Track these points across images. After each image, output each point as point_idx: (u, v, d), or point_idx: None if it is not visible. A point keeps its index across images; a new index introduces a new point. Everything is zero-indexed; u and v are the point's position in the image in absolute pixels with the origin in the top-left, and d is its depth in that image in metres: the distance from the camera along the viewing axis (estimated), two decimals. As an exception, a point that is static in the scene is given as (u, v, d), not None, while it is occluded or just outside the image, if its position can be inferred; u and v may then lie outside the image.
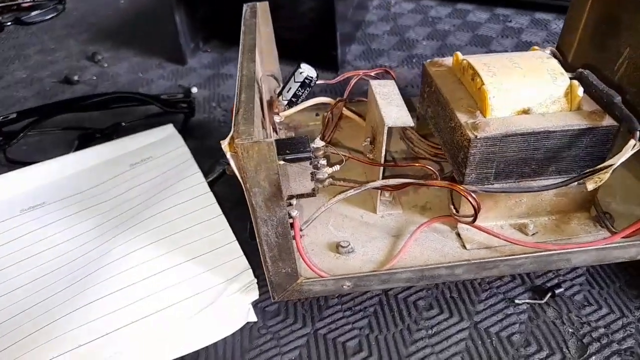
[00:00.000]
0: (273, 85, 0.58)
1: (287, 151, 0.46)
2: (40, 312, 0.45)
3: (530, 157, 0.45)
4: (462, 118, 0.46)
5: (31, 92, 0.87)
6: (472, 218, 0.44)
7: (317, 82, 0.59)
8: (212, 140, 0.71)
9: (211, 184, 0.59)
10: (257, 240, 0.39)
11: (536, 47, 0.53)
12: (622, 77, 0.55)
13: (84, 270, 0.49)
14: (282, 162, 0.42)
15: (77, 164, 0.62)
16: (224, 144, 0.34)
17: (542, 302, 0.47)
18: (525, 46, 0.93)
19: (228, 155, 0.34)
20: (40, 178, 0.61)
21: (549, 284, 0.48)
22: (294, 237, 0.44)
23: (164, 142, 0.64)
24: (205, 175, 0.61)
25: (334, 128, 0.58)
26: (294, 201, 0.45)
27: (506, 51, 0.92)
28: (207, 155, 0.66)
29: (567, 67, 0.48)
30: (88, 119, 0.75)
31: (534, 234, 0.48)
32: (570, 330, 0.44)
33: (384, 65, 0.89)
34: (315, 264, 0.44)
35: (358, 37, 1.00)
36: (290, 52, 0.90)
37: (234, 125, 0.35)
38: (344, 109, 0.58)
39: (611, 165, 0.42)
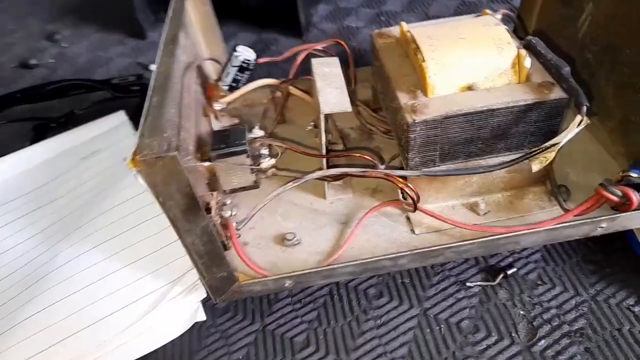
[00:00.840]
0: (216, 69, 0.55)
1: (222, 145, 0.44)
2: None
3: (476, 137, 0.43)
4: (403, 99, 0.43)
5: (-11, 80, 0.85)
6: (413, 208, 0.42)
7: (264, 61, 0.56)
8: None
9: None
10: (185, 251, 0.38)
11: (487, 11, 0.50)
12: (585, 35, 0.52)
13: (32, 276, 0.48)
14: (206, 164, 0.40)
15: (26, 162, 0.60)
16: (127, 161, 0.32)
17: (494, 284, 0.46)
18: None
19: (134, 172, 0.32)
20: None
21: (503, 264, 0.47)
22: (231, 238, 0.43)
23: (114, 131, 0.62)
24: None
25: (280, 110, 0.55)
26: (227, 200, 0.43)
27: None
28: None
29: (529, 28, 0.45)
30: (42, 109, 0.73)
31: (485, 213, 0.46)
32: (522, 312, 0.44)
33: (340, 33, 0.84)
34: (256, 263, 0.43)
35: (326, -5, 0.95)
36: (254, 19, 0.87)
37: (138, 137, 0.33)
38: (291, 87, 0.55)
39: (557, 143, 0.39)
